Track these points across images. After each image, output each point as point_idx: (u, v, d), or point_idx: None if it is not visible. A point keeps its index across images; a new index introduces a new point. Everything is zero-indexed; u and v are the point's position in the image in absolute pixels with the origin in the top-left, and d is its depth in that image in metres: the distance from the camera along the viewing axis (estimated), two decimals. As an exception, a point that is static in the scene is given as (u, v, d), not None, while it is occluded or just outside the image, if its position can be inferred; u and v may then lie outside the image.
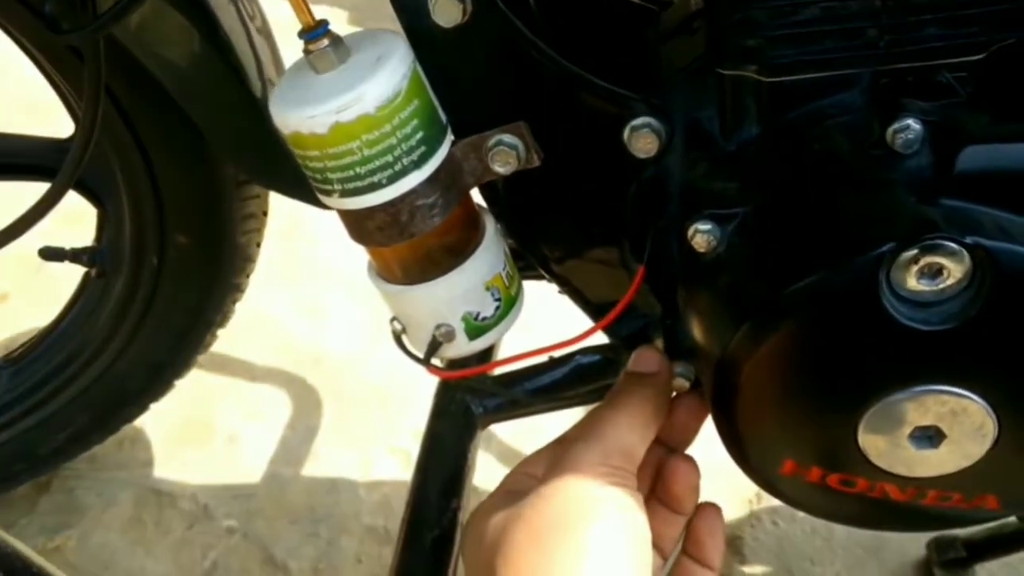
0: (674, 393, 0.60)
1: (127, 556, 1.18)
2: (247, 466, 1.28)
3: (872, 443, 0.52)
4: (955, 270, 0.46)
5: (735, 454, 0.55)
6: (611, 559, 0.49)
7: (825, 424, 0.52)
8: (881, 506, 0.55)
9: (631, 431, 0.55)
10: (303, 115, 0.51)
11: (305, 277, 1.52)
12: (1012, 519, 0.92)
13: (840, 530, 1.17)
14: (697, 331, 0.56)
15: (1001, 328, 0.47)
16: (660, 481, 0.59)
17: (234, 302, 1.01)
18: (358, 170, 0.53)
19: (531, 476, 0.54)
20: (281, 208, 1.55)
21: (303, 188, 0.58)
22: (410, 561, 0.74)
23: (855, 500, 0.55)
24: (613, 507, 0.51)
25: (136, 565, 1.17)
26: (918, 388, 0.49)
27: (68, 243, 0.96)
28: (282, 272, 1.52)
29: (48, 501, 1.24)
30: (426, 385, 0.90)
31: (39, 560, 0.67)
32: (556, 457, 0.54)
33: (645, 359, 0.60)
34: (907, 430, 0.51)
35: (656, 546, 0.59)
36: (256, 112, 0.72)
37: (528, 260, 0.67)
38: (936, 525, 0.58)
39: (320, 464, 1.29)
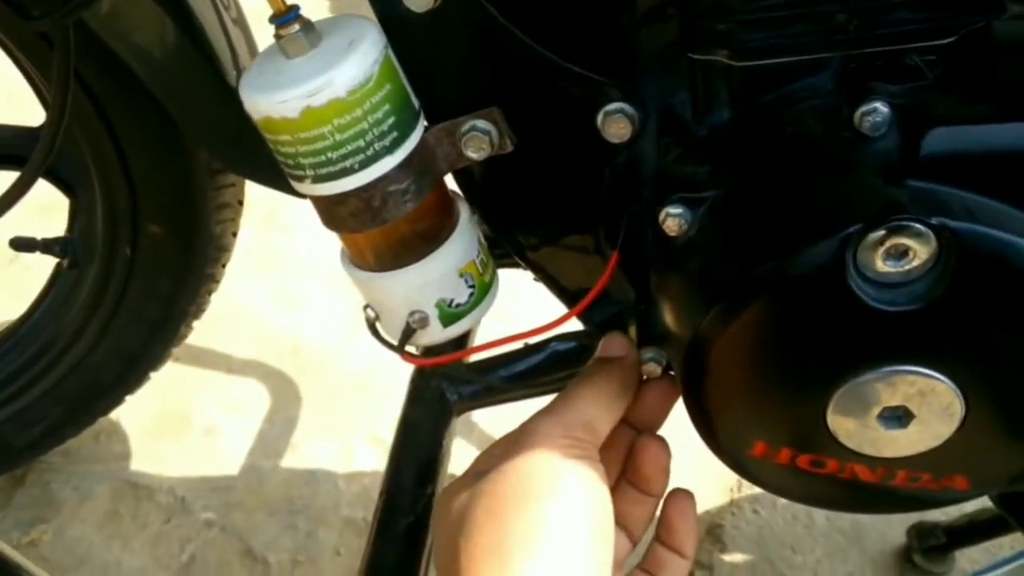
0: (645, 378, 0.60)
1: (103, 550, 1.18)
2: (225, 458, 1.28)
3: (841, 424, 0.52)
4: (921, 251, 0.47)
5: (706, 436, 0.55)
6: (570, 530, 0.49)
7: (794, 405, 0.52)
8: (851, 487, 0.55)
9: (594, 405, 0.55)
10: (274, 99, 0.51)
11: (283, 269, 1.52)
12: (990, 505, 0.93)
13: (820, 518, 1.18)
14: (668, 315, 0.56)
15: (967, 309, 0.48)
16: (630, 461, 0.59)
17: (209, 293, 1.01)
18: (330, 155, 0.53)
19: (497, 456, 0.54)
20: (258, 200, 1.56)
21: (278, 176, 0.58)
22: (383, 547, 0.74)
23: (825, 481, 0.55)
24: (573, 478, 0.51)
25: (113, 559, 1.17)
26: (886, 369, 0.50)
27: (41, 234, 0.95)
28: (259, 264, 1.52)
29: (23, 495, 1.23)
30: (405, 376, 0.90)
31: (15, 556, 0.67)
32: (518, 433, 0.54)
33: (612, 344, 0.60)
34: (876, 411, 0.51)
35: (626, 528, 0.59)
36: (230, 100, 0.72)
37: (503, 247, 0.67)
38: (906, 507, 0.58)
39: (299, 456, 1.29)
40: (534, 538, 0.48)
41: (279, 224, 1.58)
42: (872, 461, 0.54)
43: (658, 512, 0.60)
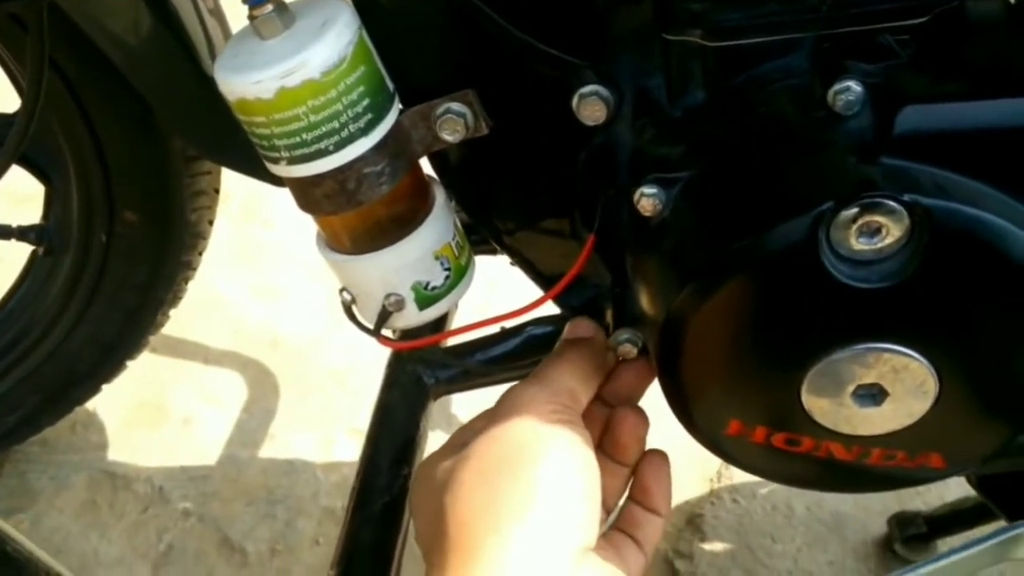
0: (621, 358, 0.61)
1: (80, 540, 1.17)
2: (203, 449, 1.27)
3: (816, 402, 0.52)
4: (894, 228, 0.47)
5: (681, 416, 0.56)
6: (560, 493, 0.49)
7: (769, 383, 0.53)
8: (827, 466, 0.56)
9: (573, 377, 0.56)
10: (248, 80, 0.51)
11: (262, 259, 1.51)
12: (972, 494, 0.93)
13: (801, 507, 1.18)
14: (643, 295, 0.56)
15: (940, 286, 0.48)
16: (607, 432, 0.60)
17: (186, 281, 1.00)
18: (304, 136, 0.52)
19: (478, 428, 0.54)
20: (237, 191, 1.56)
21: (253, 163, 0.58)
22: (359, 526, 0.74)
23: (800, 460, 0.56)
24: (562, 441, 0.51)
25: (90, 549, 1.16)
26: (859, 346, 0.50)
27: (17, 223, 0.95)
28: (239, 255, 1.51)
29: (-1, 485, 1.22)
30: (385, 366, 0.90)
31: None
32: (501, 404, 0.55)
33: (579, 326, 0.61)
34: (850, 388, 0.52)
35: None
36: (206, 87, 0.71)
37: (480, 232, 0.67)
38: (882, 485, 0.58)
39: (277, 446, 1.28)
40: (526, 500, 0.48)
41: (259, 216, 1.58)
42: (847, 439, 0.54)
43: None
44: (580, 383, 0.56)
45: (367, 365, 1.28)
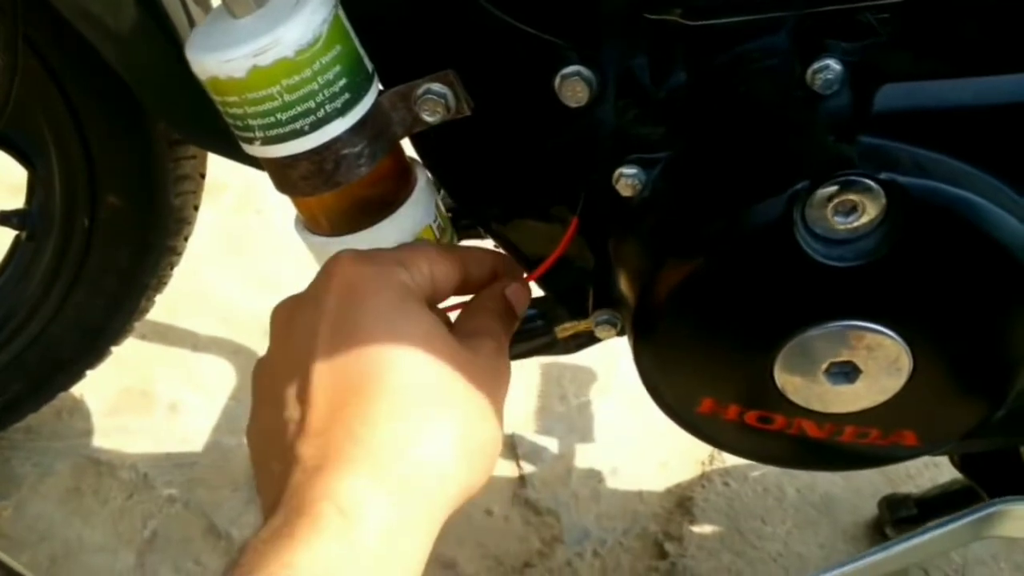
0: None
1: (64, 526, 1.17)
2: (188, 435, 1.27)
3: (788, 380, 0.53)
4: (870, 207, 0.47)
5: (655, 395, 0.56)
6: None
7: (742, 361, 0.53)
8: (799, 444, 0.56)
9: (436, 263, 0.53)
10: (220, 59, 0.50)
11: (253, 248, 1.51)
12: (962, 477, 0.93)
13: (791, 490, 1.18)
14: (622, 276, 0.56)
15: (915, 264, 0.48)
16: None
17: (171, 266, 1.00)
18: (279, 116, 0.52)
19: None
20: (233, 180, 1.56)
21: (238, 147, 0.57)
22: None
23: (773, 438, 0.56)
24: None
25: (74, 535, 1.16)
26: (833, 324, 0.50)
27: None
28: (229, 244, 1.51)
29: (-18, 471, 1.22)
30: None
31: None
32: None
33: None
34: (823, 366, 0.52)
35: None
36: (187, 71, 0.71)
37: (466, 217, 0.67)
38: (856, 464, 0.59)
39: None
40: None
41: (252, 205, 1.57)
42: (820, 417, 0.54)
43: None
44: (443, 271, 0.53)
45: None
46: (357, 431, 0.43)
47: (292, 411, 0.45)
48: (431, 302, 0.52)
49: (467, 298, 0.57)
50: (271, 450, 0.46)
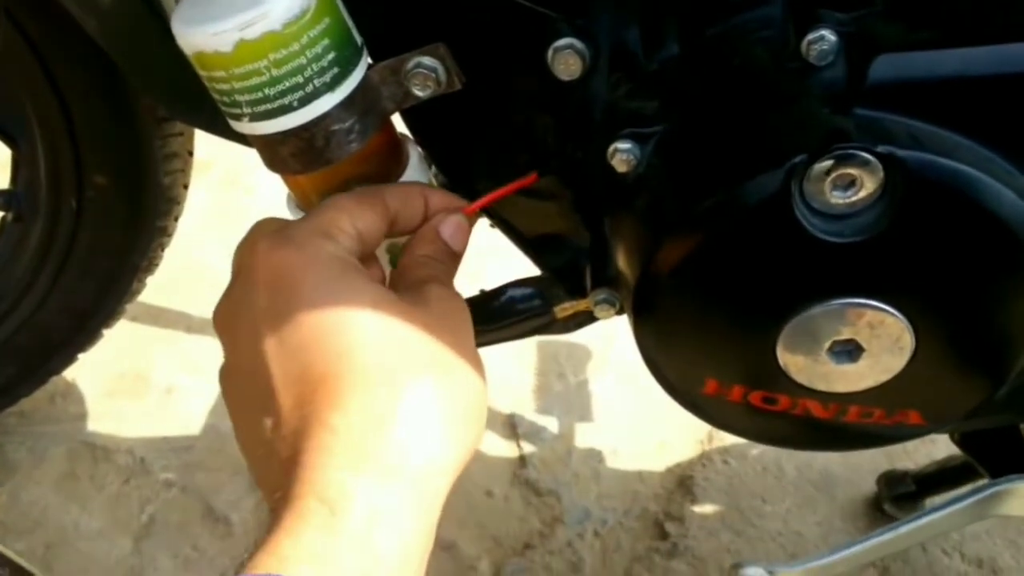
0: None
1: (60, 512, 1.16)
2: (185, 418, 1.26)
3: (792, 359, 0.52)
4: (868, 181, 0.46)
5: (658, 376, 0.55)
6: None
7: (744, 341, 0.52)
8: (804, 424, 0.55)
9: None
10: (206, 32, 0.49)
11: (244, 227, 1.48)
12: (959, 453, 0.93)
13: (791, 468, 1.18)
14: (619, 254, 0.55)
15: (915, 239, 0.47)
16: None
17: (161, 247, 0.99)
18: (267, 91, 0.51)
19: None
20: (219, 157, 1.54)
21: (224, 123, 0.56)
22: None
23: (778, 419, 0.55)
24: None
25: (70, 521, 1.15)
26: (835, 302, 0.49)
27: None
28: (221, 223, 1.50)
29: (-24, 458, 1.21)
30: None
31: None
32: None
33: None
34: (826, 345, 0.51)
35: None
36: (174, 46, 0.70)
37: (455, 191, 0.66)
38: (860, 443, 0.58)
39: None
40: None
41: (241, 183, 1.56)
42: (824, 397, 0.54)
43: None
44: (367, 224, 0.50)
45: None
46: (329, 420, 0.42)
47: (263, 415, 0.44)
48: (364, 257, 0.49)
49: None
50: (257, 452, 0.45)
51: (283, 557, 0.38)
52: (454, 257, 0.53)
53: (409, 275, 0.51)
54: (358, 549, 0.39)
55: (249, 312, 0.46)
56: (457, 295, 0.51)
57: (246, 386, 0.46)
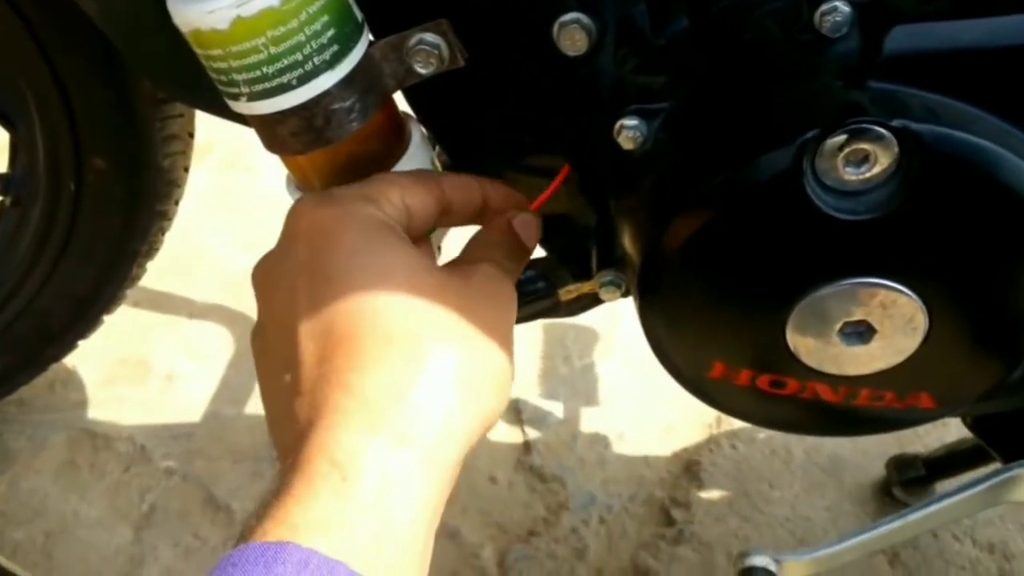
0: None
1: (60, 501, 1.16)
2: (186, 406, 1.26)
3: (801, 341, 0.51)
4: (882, 156, 0.45)
5: (664, 360, 0.54)
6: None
7: (753, 323, 0.51)
8: (813, 408, 0.54)
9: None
10: (202, 10, 0.48)
11: (247, 209, 1.49)
12: (970, 436, 0.92)
13: (799, 452, 1.17)
14: (625, 234, 0.54)
15: (929, 216, 0.46)
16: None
17: (162, 231, 0.98)
18: (265, 70, 0.50)
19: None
20: (220, 138, 1.53)
21: (223, 103, 0.55)
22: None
23: (787, 403, 0.54)
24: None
25: (69, 510, 1.15)
26: (846, 281, 0.48)
27: None
28: (222, 206, 1.49)
29: (-25, 446, 1.21)
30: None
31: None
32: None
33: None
34: (837, 326, 0.50)
35: None
36: (170, 22, 0.69)
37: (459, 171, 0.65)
38: (871, 428, 0.57)
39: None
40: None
41: (242, 165, 1.55)
42: (834, 380, 0.53)
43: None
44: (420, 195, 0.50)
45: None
46: (347, 381, 0.41)
47: (286, 373, 0.44)
48: (411, 234, 0.49)
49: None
50: (276, 411, 0.45)
51: (293, 525, 0.37)
52: (522, 252, 0.53)
53: (467, 255, 0.51)
54: (370, 516, 0.39)
55: (287, 267, 0.47)
56: (507, 280, 0.50)
57: (275, 341, 0.46)
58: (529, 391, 1.26)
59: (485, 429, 0.45)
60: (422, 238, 0.51)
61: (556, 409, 1.24)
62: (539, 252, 0.69)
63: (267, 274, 0.49)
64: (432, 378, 0.42)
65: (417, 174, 0.52)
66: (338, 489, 0.38)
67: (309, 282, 0.45)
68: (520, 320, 0.81)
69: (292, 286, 0.45)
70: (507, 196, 0.55)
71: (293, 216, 0.49)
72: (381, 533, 0.38)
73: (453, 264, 0.50)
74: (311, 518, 0.38)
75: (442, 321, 0.44)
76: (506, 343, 0.46)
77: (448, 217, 0.52)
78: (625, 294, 0.59)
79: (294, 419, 0.42)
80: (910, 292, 0.48)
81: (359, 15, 0.53)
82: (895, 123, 0.44)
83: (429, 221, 0.51)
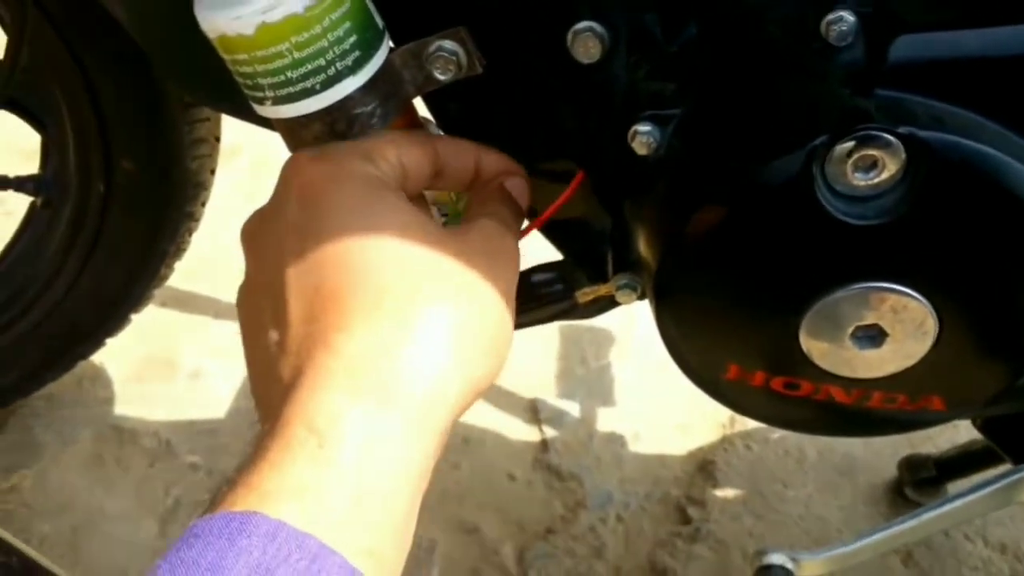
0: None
1: (86, 495, 1.17)
2: (211, 402, 1.27)
3: (815, 344, 0.52)
4: (890, 162, 0.46)
5: (680, 362, 0.55)
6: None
7: (767, 326, 0.52)
8: (827, 410, 0.55)
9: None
10: (228, 16, 0.50)
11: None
12: (980, 437, 0.93)
13: (812, 452, 1.18)
14: (640, 238, 0.55)
15: (937, 221, 0.47)
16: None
17: (189, 232, 0.99)
18: (289, 74, 0.51)
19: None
20: (246, 143, 1.55)
21: (248, 107, 0.56)
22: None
23: (801, 404, 0.55)
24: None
25: (95, 504, 1.17)
26: (857, 286, 0.49)
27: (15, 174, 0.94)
28: (249, 208, 1.50)
29: (3, 440, 1.22)
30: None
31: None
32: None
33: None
34: (849, 330, 0.51)
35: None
36: (196, 26, 0.70)
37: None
38: (883, 429, 0.58)
39: (286, 400, 1.28)
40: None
41: (268, 170, 1.56)
42: (847, 382, 0.53)
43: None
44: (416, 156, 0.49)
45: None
46: (333, 340, 0.39)
47: (272, 333, 0.42)
48: (406, 192, 0.47)
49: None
50: (260, 371, 0.43)
51: (265, 492, 0.36)
52: (518, 211, 0.52)
53: (468, 213, 0.50)
54: (348, 483, 0.37)
55: (277, 224, 0.45)
56: (508, 236, 0.48)
57: (261, 299, 0.44)
58: (546, 391, 1.27)
59: (478, 393, 0.42)
60: (417, 198, 0.49)
61: (573, 409, 1.25)
62: (555, 254, 0.70)
63: (257, 231, 0.47)
64: (423, 338, 0.40)
65: (412, 133, 0.51)
66: (314, 455, 0.37)
67: (299, 239, 0.43)
68: (538, 322, 0.82)
69: (281, 243, 0.43)
70: (500, 162, 0.54)
71: (286, 172, 0.47)
72: (359, 501, 0.37)
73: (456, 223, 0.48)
74: (284, 485, 0.36)
75: (437, 278, 0.42)
76: (505, 301, 0.44)
77: (441, 179, 0.51)
78: (641, 296, 0.60)
79: (278, 380, 0.40)
80: (920, 297, 0.49)
81: (380, 22, 0.54)
82: (902, 130, 0.45)
83: (423, 181, 0.49)
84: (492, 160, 0.53)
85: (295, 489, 0.36)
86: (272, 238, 0.44)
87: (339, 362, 0.39)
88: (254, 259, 0.46)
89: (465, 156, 0.52)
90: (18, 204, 1.01)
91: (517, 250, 0.48)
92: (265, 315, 0.43)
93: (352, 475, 0.37)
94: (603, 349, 1.32)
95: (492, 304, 0.43)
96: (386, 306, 0.40)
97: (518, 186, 0.52)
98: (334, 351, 0.39)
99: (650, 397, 1.25)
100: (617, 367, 1.30)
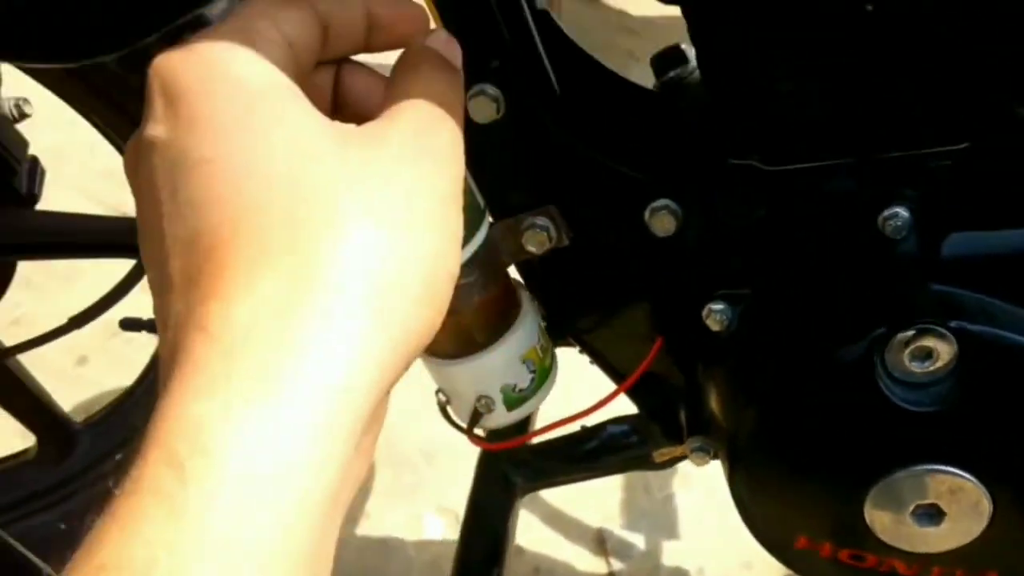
0: None
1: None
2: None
3: (878, 520, 0.54)
4: (944, 352, 0.49)
5: (752, 527, 0.57)
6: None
7: (832, 502, 0.54)
8: (890, 581, 0.57)
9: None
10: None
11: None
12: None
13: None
14: (713, 407, 0.58)
15: (987, 409, 0.50)
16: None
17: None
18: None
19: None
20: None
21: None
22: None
23: (866, 575, 0.56)
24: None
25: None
26: (916, 467, 0.52)
27: (150, 313, 0.98)
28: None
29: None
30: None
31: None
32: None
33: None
34: (910, 507, 0.53)
35: None
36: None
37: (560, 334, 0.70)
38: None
39: (371, 524, 1.30)
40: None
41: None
42: (908, 556, 0.55)
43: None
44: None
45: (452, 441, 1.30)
46: (208, 315, 0.30)
47: (157, 299, 0.33)
48: (300, 70, 0.36)
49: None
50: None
51: (105, 567, 0.26)
52: (454, 75, 0.39)
53: (386, 94, 0.38)
54: (213, 544, 0.27)
55: (148, 153, 0.33)
56: (446, 121, 0.36)
57: (148, 251, 0.34)
58: (612, 521, 1.27)
59: (412, 354, 0.33)
60: (307, 79, 0.38)
61: (638, 541, 1.25)
62: (631, 407, 0.73)
63: (133, 161, 0.35)
64: (328, 294, 0.30)
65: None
66: (170, 505, 0.27)
67: (170, 173, 0.32)
68: (614, 471, 0.85)
69: (152, 178, 0.33)
70: (399, 7, 0.40)
71: (149, 80, 0.34)
72: (233, 569, 0.27)
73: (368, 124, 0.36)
74: (125, 558, 0.26)
75: (341, 205, 0.32)
76: (441, 223, 0.34)
77: (329, 39, 0.38)
78: (714, 457, 0.62)
79: (161, 381, 0.30)
80: (974, 479, 0.51)
81: (482, 201, 0.59)
82: (953, 324, 0.48)
83: (313, 49, 0.37)
84: (383, 4, 0.39)
85: (143, 562, 0.26)
86: (143, 169, 0.34)
87: (214, 347, 0.29)
88: (136, 198, 0.35)
89: (353, 4, 0.39)
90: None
91: (459, 139, 0.37)
92: (152, 271, 0.33)
93: (221, 529, 0.27)
94: (666, 478, 1.31)
95: (423, 231, 0.33)
96: (273, 255, 0.30)
97: (449, 43, 0.40)
98: (208, 330, 0.29)
99: (714, 530, 1.24)
100: (680, 497, 1.30)
